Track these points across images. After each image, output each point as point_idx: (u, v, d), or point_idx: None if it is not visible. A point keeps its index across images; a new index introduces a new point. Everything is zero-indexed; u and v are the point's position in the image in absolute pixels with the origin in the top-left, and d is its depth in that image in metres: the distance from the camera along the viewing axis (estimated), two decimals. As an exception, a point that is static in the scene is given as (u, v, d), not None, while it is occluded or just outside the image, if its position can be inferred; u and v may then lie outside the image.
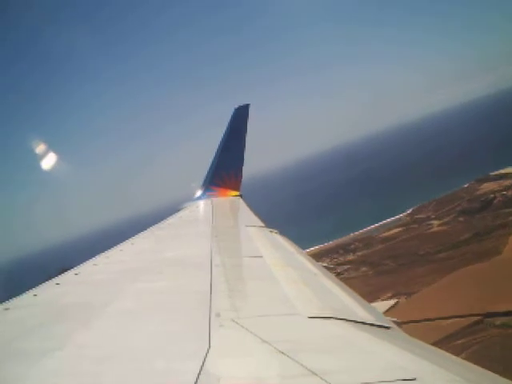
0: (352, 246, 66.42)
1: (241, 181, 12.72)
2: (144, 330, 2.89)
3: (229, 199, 12.00)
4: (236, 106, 13.21)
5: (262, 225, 7.76)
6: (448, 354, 2.83)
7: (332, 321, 2.94)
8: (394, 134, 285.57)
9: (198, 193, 12.56)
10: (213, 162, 13.06)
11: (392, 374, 2.04)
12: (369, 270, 55.73)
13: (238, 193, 12.45)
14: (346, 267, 58.14)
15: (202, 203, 11.57)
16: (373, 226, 75.31)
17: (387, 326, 3.21)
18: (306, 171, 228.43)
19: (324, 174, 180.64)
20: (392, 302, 43.59)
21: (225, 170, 12.70)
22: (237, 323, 2.78)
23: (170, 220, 9.31)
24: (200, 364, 2.14)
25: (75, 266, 5.28)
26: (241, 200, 11.83)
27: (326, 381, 1.92)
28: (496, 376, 2.37)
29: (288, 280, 4.08)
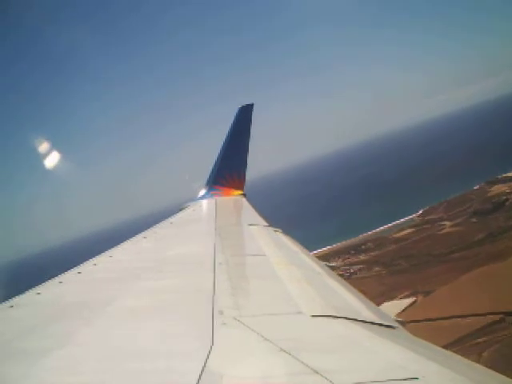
0: (363, 247, 66.29)
1: (244, 180, 12.70)
2: (147, 328, 2.90)
3: (232, 198, 12.02)
4: (240, 106, 13.25)
5: (266, 224, 7.74)
6: (453, 354, 2.82)
7: (335, 320, 2.95)
8: (396, 138, 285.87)
9: (202, 192, 12.55)
10: (216, 162, 13.06)
11: (395, 373, 2.05)
12: (382, 269, 55.57)
13: (241, 192, 12.44)
14: (358, 267, 58.20)
15: (205, 202, 11.60)
16: (382, 228, 75.25)
17: (391, 325, 3.20)
18: (309, 174, 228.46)
19: (327, 176, 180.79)
20: (410, 300, 43.71)
21: (228, 170, 12.70)
22: (240, 322, 2.78)
23: (173, 219, 9.33)
24: (203, 362, 2.15)
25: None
26: (244, 199, 11.84)
27: (328, 379, 1.92)
28: (503, 377, 2.34)
29: (291, 279, 4.08)
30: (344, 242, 72.22)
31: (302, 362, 2.11)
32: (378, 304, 44.72)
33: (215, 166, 13.01)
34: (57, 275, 4.64)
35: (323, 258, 65.32)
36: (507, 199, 65.45)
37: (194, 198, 12.21)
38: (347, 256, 64.13)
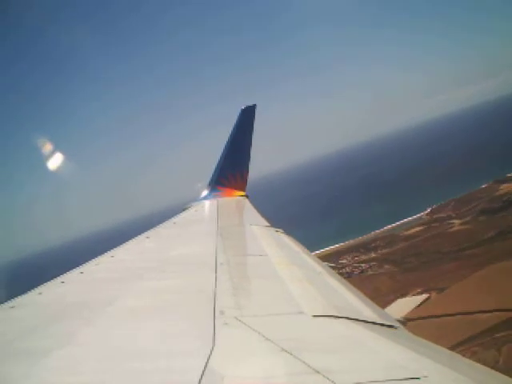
0: (373, 245, 66.38)
1: (247, 181, 12.74)
2: (148, 328, 2.90)
3: (234, 199, 12.02)
4: (243, 107, 13.22)
5: (268, 224, 7.76)
6: (454, 354, 2.81)
7: (336, 320, 2.95)
8: (396, 138, 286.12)
9: (204, 193, 12.55)
10: (219, 162, 13.08)
11: (396, 373, 2.04)
12: (393, 267, 55.59)
13: (243, 193, 12.47)
14: (369, 264, 58.22)
15: (207, 203, 11.61)
16: (389, 226, 75.29)
17: (392, 325, 3.19)
18: (310, 174, 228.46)
19: (328, 176, 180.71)
20: (423, 296, 43.67)
21: (231, 170, 12.72)
22: (241, 322, 2.79)
23: (175, 219, 9.33)
24: (204, 362, 2.15)
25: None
26: (246, 200, 11.86)
27: (329, 379, 1.92)
28: (505, 377, 2.32)
29: (293, 278, 4.08)
30: (352, 241, 72.20)
31: (304, 362, 2.11)
32: (392, 300, 44.98)
33: (217, 166, 13.04)
34: (58, 275, 4.63)
35: (332, 255, 65.49)
36: (516, 198, 65.51)
37: (196, 199, 12.26)
38: (357, 254, 64.13)
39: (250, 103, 13.28)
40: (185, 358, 2.32)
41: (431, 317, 38.47)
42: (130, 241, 6.70)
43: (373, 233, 73.77)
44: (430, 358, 2.35)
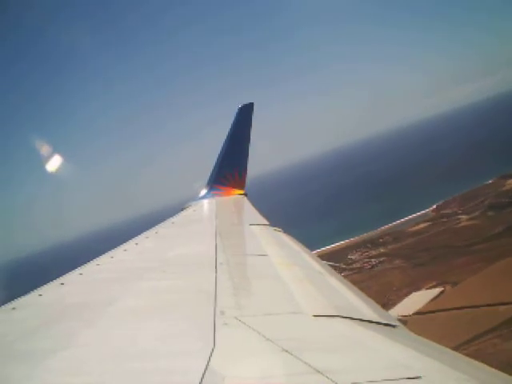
0: (381, 240, 65.89)
1: (245, 180, 12.72)
2: (149, 328, 2.90)
3: (233, 198, 12.04)
4: (240, 105, 13.20)
5: (267, 223, 7.76)
6: (455, 353, 2.79)
7: (337, 319, 2.95)
8: (395, 136, 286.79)
9: (203, 192, 12.54)
10: (217, 161, 13.04)
11: (397, 372, 2.03)
12: (403, 262, 55.16)
13: (242, 191, 12.46)
14: (379, 260, 57.82)
15: (205, 202, 11.63)
16: (394, 223, 74.99)
17: (393, 324, 3.19)
18: (307, 172, 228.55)
19: (327, 174, 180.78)
20: (438, 290, 43.46)
21: (229, 169, 12.69)
22: (241, 322, 2.78)
23: (174, 219, 9.34)
24: (205, 363, 2.14)
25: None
26: (245, 199, 11.84)
27: (330, 379, 1.90)
28: (506, 376, 2.31)
29: (293, 278, 4.08)
30: (357, 238, 71.89)
31: (305, 362, 2.10)
32: (405, 294, 44.76)
33: (216, 165, 13.00)
34: (57, 274, 4.63)
35: (339, 252, 65.19)
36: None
37: (195, 198, 12.23)
38: (365, 250, 63.72)
39: (247, 101, 13.25)
40: (185, 358, 2.31)
41: (448, 309, 38.23)
42: (130, 241, 6.71)
43: (378, 230, 73.37)
44: (430, 356, 2.35)
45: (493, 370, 2.44)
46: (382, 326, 3.05)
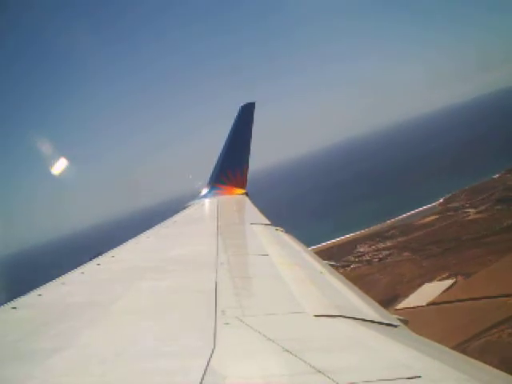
0: (389, 233, 65.74)
1: (246, 179, 12.72)
2: (149, 328, 2.91)
3: (235, 197, 12.04)
4: (242, 104, 13.23)
5: (268, 222, 7.78)
6: (455, 353, 2.79)
7: (338, 319, 2.95)
8: (394, 132, 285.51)
9: (204, 191, 12.58)
10: (218, 160, 13.08)
11: (398, 372, 2.04)
12: (413, 254, 55.09)
13: (243, 191, 12.47)
14: (388, 252, 57.72)
15: (207, 201, 11.62)
16: (402, 216, 74.67)
17: (394, 324, 3.20)
18: (306, 170, 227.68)
19: (326, 172, 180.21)
20: (450, 281, 43.58)
21: (231, 169, 12.72)
22: (242, 321, 2.79)
23: (176, 218, 9.35)
24: (206, 362, 2.14)
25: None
26: (246, 198, 11.84)
27: (332, 379, 1.91)
28: (507, 376, 2.31)
29: (294, 278, 4.08)
30: (364, 231, 71.80)
31: (306, 362, 2.10)
32: (418, 286, 44.90)
33: (217, 165, 13.02)
34: (58, 270, 4.66)
35: (347, 245, 65.34)
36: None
37: (196, 197, 12.24)
38: (373, 242, 63.55)
39: (246, 99, 13.35)
40: (186, 358, 2.32)
41: (462, 300, 38.49)
42: (131, 240, 6.70)
43: (385, 223, 73.38)
44: (431, 356, 2.36)
45: (493, 369, 2.44)
46: (383, 325, 3.05)
